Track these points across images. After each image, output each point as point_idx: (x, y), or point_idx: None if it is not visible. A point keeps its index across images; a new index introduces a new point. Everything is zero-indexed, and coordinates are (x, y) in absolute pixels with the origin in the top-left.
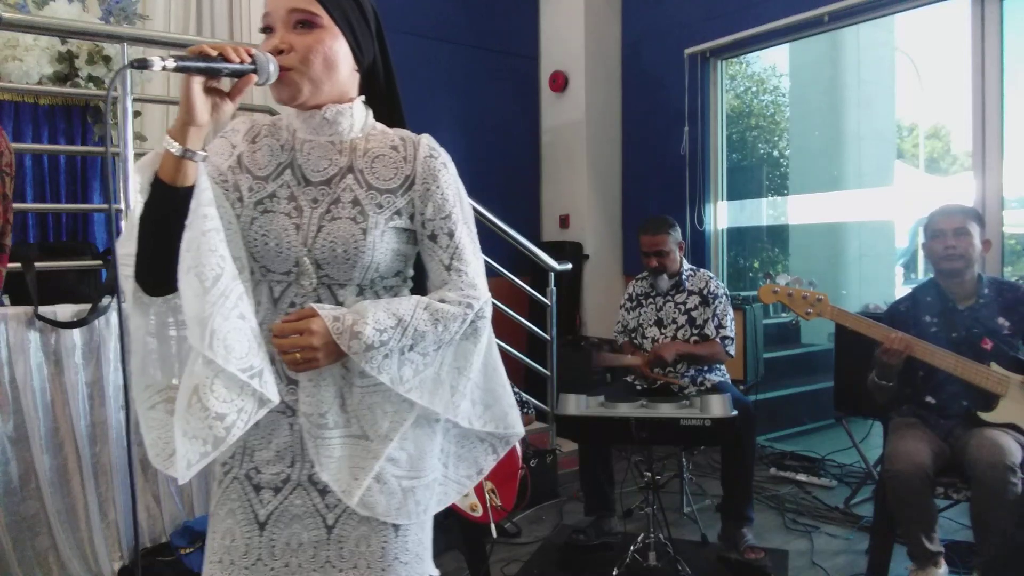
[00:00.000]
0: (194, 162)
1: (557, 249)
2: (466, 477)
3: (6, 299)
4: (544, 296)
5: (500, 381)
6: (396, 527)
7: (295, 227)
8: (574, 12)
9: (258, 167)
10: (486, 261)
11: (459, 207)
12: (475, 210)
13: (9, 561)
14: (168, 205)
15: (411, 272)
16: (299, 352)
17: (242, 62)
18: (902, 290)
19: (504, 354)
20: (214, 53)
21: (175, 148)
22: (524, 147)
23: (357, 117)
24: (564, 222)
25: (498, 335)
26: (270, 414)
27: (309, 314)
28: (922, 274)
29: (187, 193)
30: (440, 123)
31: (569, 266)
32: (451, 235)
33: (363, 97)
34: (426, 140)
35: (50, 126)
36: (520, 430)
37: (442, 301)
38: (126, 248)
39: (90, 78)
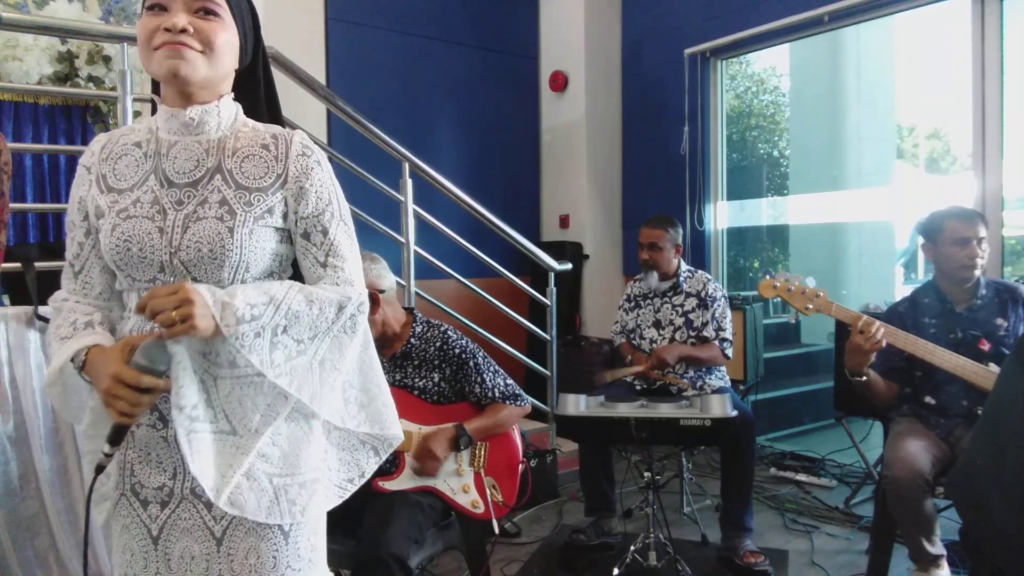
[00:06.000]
0: None
1: (557, 249)
2: (347, 481)
3: (6, 299)
4: (544, 296)
5: (376, 380)
6: (286, 534)
7: (158, 230)
8: (574, 12)
9: (121, 181)
10: (486, 261)
11: (334, 205)
12: (475, 210)
13: (9, 561)
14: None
15: (287, 274)
16: (175, 310)
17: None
18: (902, 290)
19: (504, 354)
20: (126, 421)
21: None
22: (524, 147)
23: (225, 115)
24: (564, 222)
25: (498, 335)
26: (144, 429)
27: (180, 284)
28: (922, 274)
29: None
30: (440, 123)
31: (569, 266)
32: (325, 232)
33: (232, 95)
34: (299, 138)
35: (50, 126)
36: (398, 431)
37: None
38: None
39: (90, 78)
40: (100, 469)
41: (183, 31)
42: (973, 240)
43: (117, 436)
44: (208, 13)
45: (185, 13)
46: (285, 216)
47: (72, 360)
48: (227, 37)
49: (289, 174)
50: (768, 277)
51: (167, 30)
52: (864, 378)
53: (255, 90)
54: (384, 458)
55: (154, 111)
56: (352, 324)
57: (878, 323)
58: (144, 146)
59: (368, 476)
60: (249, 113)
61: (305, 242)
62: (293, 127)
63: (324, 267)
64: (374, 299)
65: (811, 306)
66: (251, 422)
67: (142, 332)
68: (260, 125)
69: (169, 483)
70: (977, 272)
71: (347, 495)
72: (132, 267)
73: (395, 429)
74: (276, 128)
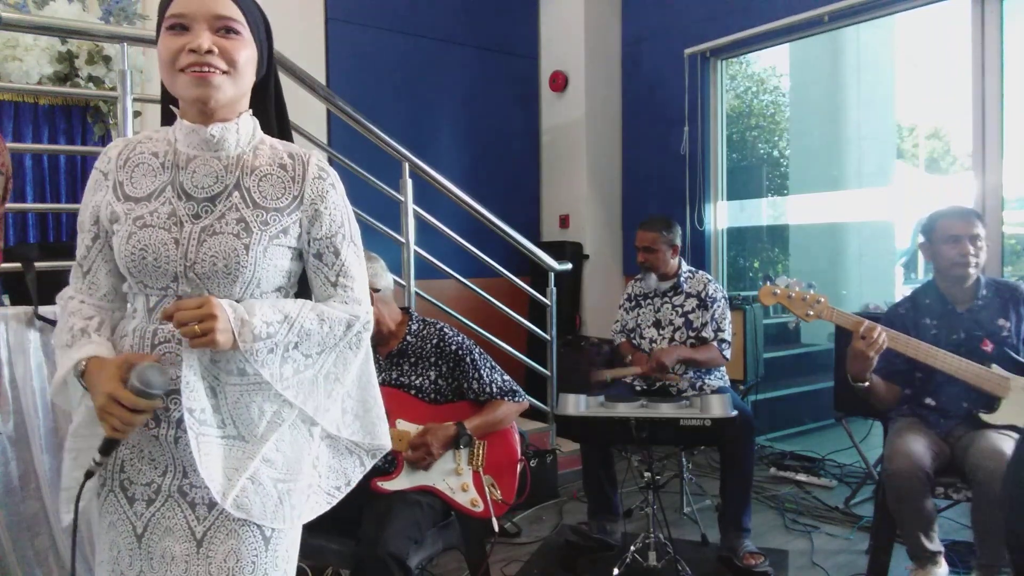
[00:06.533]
0: None
1: (557, 249)
2: (335, 488)
3: (6, 299)
4: (544, 296)
5: (372, 393)
6: (267, 540)
7: (174, 241)
8: (574, 12)
9: (137, 190)
10: (486, 261)
11: (346, 226)
12: (475, 210)
13: (9, 561)
14: None
15: (294, 289)
16: (199, 324)
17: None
18: (902, 290)
19: (504, 354)
20: (118, 436)
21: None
22: (524, 147)
23: (244, 132)
24: (564, 222)
25: (498, 335)
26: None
27: (206, 299)
28: (922, 274)
29: None
30: (440, 123)
31: (569, 266)
32: (337, 254)
33: (250, 111)
34: (315, 160)
35: (50, 126)
36: (387, 443)
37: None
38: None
39: (90, 78)
40: (89, 475)
41: (208, 52)
42: (964, 237)
43: (108, 448)
44: (229, 31)
45: (208, 32)
46: (299, 236)
47: (74, 368)
48: (248, 54)
49: (305, 196)
50: (768, 284)
51: (192, 51)
52: (867, 383)
53: (266, 103)
54: (368, 468)
55: (164, 116)
56: (357, 340)
57: (879, 328)
58: (161, 156)
59: (353, 485)
60: (262, 126)
61: (317, 262)
62: (296, 130)
63: (334, 287)
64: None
65: (812, 312)
66: (258, 428)
67: (144, 334)
68: (277, 143)
69: (159, 480)
70: (971, 270)
71: (334, 502)
72: (146, 275)
73: (384, 440)
74: (293, 147)
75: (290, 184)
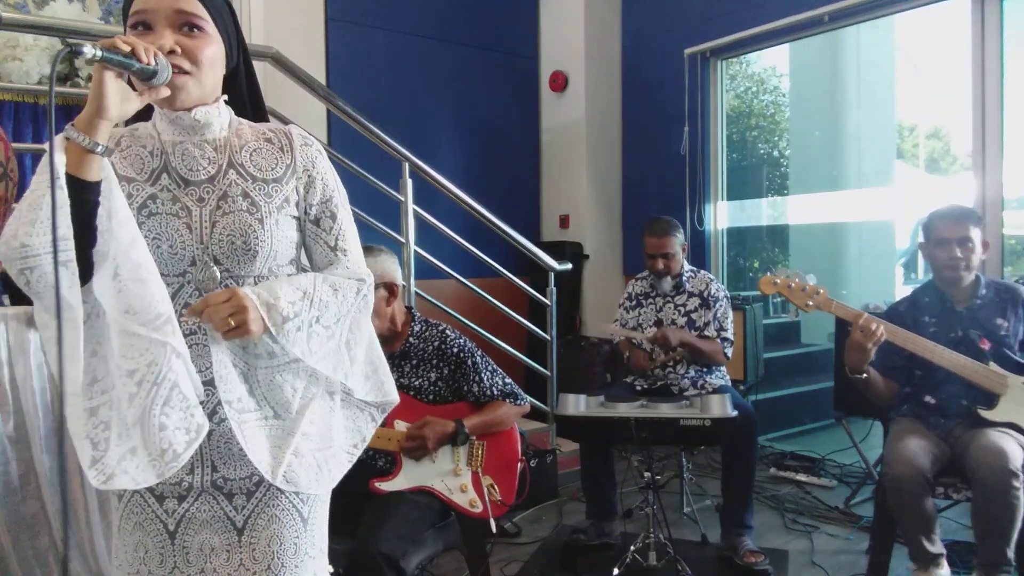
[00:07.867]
0: (97, 155)
1: (557, 249)
2: (352, 446)
3: (6, 299)
4: (544, 296)
5: (377, 353)
6: (305, 521)
7: (186, 227)
8: (574, 12)
9: (130, 173)
10: (486, 261)
11: (338, 191)
12: (475, 210)
13: (9, 561)
14: (70, 196)
15: (304, 261)
16: (232, 315)
17: (148, 64)
18: (902, 290)
19: (504, 354)
20: (127, 49)
21: (83, 140)
22: (524, 147)
23: (224, 115)
24: (564, 222)
25: (498, 335)
26: None
27: (231, 291)
28: (922, 274)
29: (85, 187)
30: (440, 123)
31: (569, 266)
32: (334, 218)
33: (225, 97)
34: (297, 130)
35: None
36: (395, 397)
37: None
38: (59, 232)
39: (90, 78)
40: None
41: (171, 52)
42: (953, 241)
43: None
44: (192, 28)
45: (170, 31)
46: (297, 204)
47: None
48: (213, 50)
49: (297, 164)
50: (768, 274)
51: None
52: (864, 375)
53: (239, 92)
54: (379, 423)
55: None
56: (364, 303)
57: (878, 321)
58: (149, 145)
59: (368, 441)
60: (237, 114)
61: (315, 228)
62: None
63: (334, 251)
64: (393, 290)
65: (811, 303)
66: (292, 406)
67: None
68: (254, 124)
69: (187, 478)
70: (962, 273)
71: (355, 459)
72: (162, 263)
73: (393, 395)
74: (269, 124)
75: (280, 154)
